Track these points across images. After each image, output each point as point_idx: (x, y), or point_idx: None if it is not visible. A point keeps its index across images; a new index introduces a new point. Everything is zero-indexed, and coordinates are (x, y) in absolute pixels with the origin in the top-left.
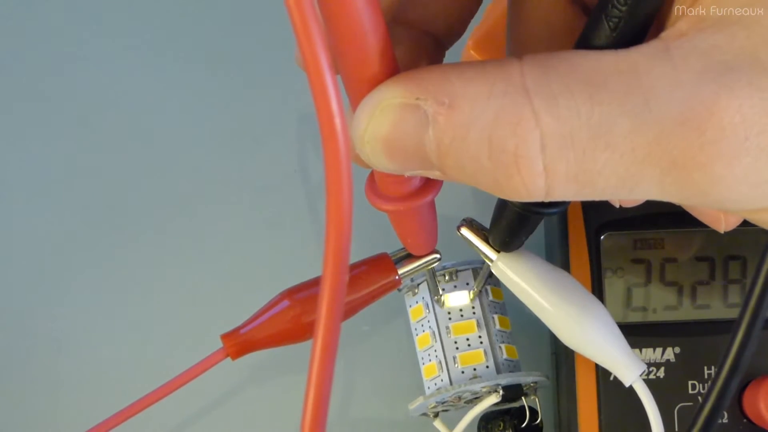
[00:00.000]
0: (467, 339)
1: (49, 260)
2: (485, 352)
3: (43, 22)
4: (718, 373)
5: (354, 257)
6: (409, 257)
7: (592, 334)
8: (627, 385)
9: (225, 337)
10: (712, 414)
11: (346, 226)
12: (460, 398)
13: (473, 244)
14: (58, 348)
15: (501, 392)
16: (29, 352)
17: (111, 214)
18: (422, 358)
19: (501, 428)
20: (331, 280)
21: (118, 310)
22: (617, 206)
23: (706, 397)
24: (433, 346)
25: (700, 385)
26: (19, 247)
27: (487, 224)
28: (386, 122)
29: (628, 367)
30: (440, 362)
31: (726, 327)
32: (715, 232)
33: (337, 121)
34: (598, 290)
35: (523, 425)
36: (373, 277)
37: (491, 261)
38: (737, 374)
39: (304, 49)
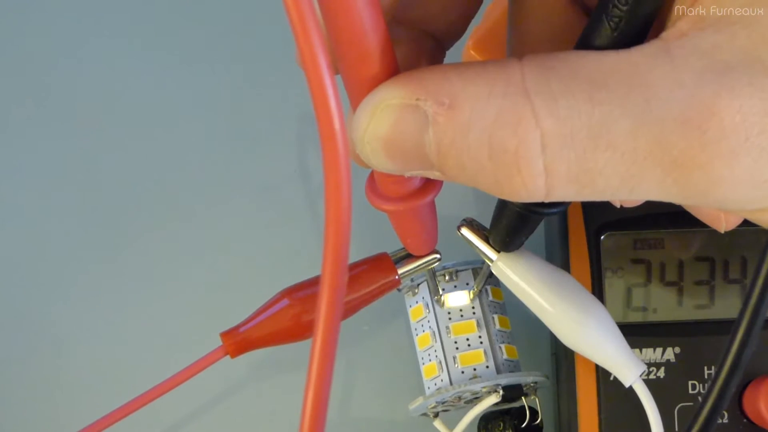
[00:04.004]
0: (467, 339)
1: (49, 259)
2: (485, 352)
3: (43, 22)
4: (717, 373)
5: (354, 257)
6: (409, 257)
7: (592, 335)
8: (627, 385)
9: (224, 335)
10: (712, 414)
11: (344, 225)
12: (460, 398)
13: (473, 245)
14: (58, 347)
15: (501, 392)
16: (29, 350)
17: (110, 214)
18: (422, 358)
19: (501, 428)
20: (330, 279)
21: (117, 309)
22: (618, 206)
23: (705, 397)
24: (433, 346)
25: (700, 385)
26: (19, 247)
27: (487, 224)
28: (386, 122)
29: (628, 368)
30: (440, 362)
31: (726, 327)
32: (715, 232)
33: (336, 121)
34: (598, 290)
35: (523, 425)
36: (372, 276)
37: (491, 261)
38: (737, 374)
39: (303, 49)
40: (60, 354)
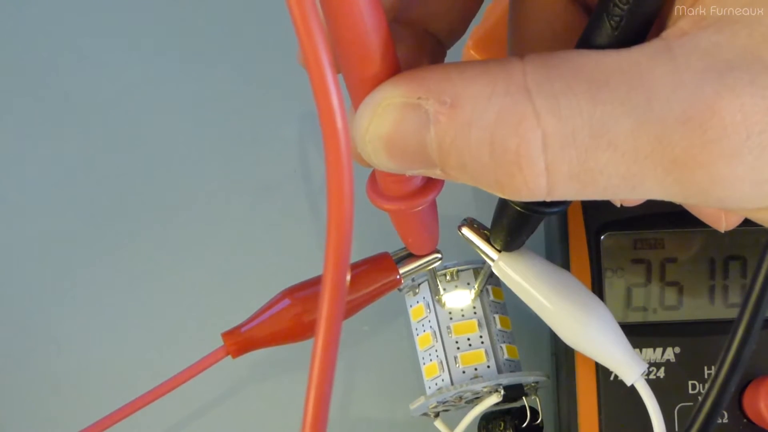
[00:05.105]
0: (468, 339)
1: (48, 259)
2: (486, 352)
3: (43, 22)
4: (717, 372)
5: (355, 256)
6: (410, 257)
7: (593, 334)
8: (629, 384)
9: (226, 335)
10: (712, 413)
11: (346, 224)
12: (461, 398)
13: (474, 244)
14: (58, 347)
15: (502, 392)
16: (28, 351)
17: (111, 214)
18: (423, 358)
19: (501, 428)
20: (332, 279)
21: (118, 309)
22: (618, 205)
23: (705, 396)
24: (434, 346)
25: (700, 385)
26: (19, 247)
27: (488, 224)
28: (388, 121)
29: (630, 367)
30: (441, 362)
31: (726, 327)
32: (715, 232)
33: (338, 119)
34: (598, 290)
35: (524, 425)
36: (373, 276)
37: (492, 261)
38: (737, 373)
39: (305, 48)
40: (60, 354)
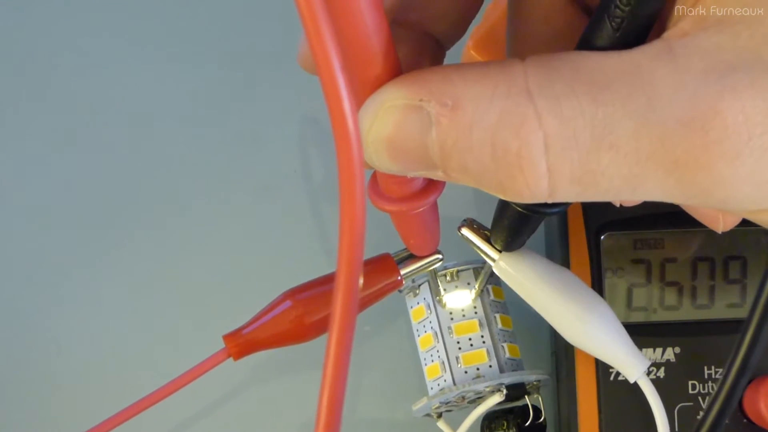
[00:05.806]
0: (469, 339)
1: (49, 259)
2: (488, 352)
3: (43, 22)
4: (727, 373)
5: None
6: (412, 258)
7: (596, 331)
8: (632, 381)
9: (227, 337)
10: (720, 414)
11: (359, 226)
12: (463, 398)
13: (474, 244)
14: (58, 349)
15: (504, 391)
16: (28, 351)
17: (111, 214)
18: (424, 359)
19: (504, 427)
20: (346, 279)
21: (118, 311)
22: (618, 206)
23: (714, 397)
24: (435, 347)
25: (700, 385)
26: (19, 247)
27: (488, 224)
28: (389, 123)
29: (633, 364)
30: (443, 362)
31: (726, 327)
32: (715, 232)
33: (350, 122)
34: (598, 290)
35: (527, 424)
36: (375, 277)
37: (493, 261)
38: (746, 373)
39: (316, 50)
40: (60, 356)
